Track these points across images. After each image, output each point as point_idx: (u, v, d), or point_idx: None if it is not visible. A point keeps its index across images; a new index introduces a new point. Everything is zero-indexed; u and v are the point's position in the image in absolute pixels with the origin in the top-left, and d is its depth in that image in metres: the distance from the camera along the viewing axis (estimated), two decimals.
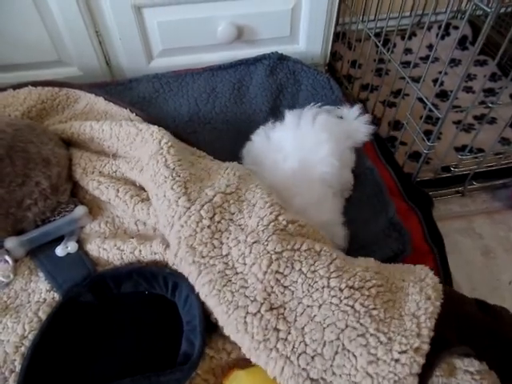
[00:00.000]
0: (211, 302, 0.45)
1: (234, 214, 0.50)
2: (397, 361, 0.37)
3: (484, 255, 0.74)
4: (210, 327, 0.46)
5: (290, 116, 0.68)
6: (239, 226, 0.49)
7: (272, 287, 0.43)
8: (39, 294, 0.51)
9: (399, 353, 0.37)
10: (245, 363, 0.44)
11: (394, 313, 0.41)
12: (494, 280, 0.71)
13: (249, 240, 0.47)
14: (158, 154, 0.57)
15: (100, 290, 0.50)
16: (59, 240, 0.55)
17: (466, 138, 0.85)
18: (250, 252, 0.46)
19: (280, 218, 0.49)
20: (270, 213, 0.49)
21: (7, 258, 0.53)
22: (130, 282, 0.51)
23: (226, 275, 0.45)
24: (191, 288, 0.47)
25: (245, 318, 0.42)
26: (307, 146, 0.63)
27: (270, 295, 0.43)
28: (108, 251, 0.53)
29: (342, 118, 0.75)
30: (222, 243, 0.47)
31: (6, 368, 0.44)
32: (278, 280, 0.44)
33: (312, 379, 0.38)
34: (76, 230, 0.57)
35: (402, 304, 0.42)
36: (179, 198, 0.51)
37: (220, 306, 0.44)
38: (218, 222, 0.49)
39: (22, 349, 0.45)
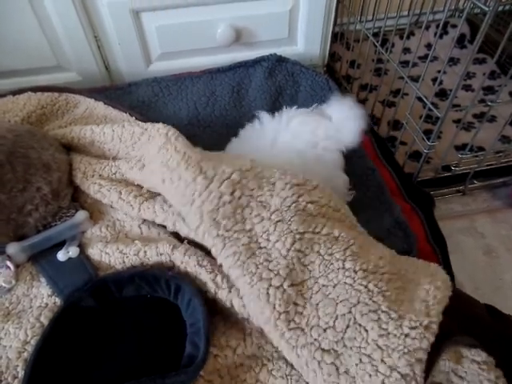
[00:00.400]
0: (235, 273, 0.46)
1: (253, 189, 0.51)
2: (407, 335, 0.38)
3: (486, 254, 0.74)
4: (213, 326, 0.47)
5: (264, 117, 0.68)
6: (260, 202, 0.50)
7: (294, 264, 0.45)
8: (41, 299, 0.51)
9: (409, 328, 0.38)
10: (250, 363, 0.45)
11: (404, 297, 0.42)
12: (497, 279, 0.71)
13: (273, 218, 0.48)
14: (168, 143, 0.57)
15: (102, 294, 0.50)
16: (61, 245, 0.55)
17: (466, 136, 0.85)
18: (275, 230, 0.47)
19: (300, 199, 0.50)
20: (292, 194, 0.50)
21: (9, 263, 0.53)
22: (132, 285, 0.51)
23: (251, 248, 0.46)
24: (194, 291, 0.47)
25: (267, 289, 0.43)
26: (261, 151, 0.63)
27: (291, 271, 0.44)
28: (110, 255, 0.53)
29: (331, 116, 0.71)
30: (244, 218, 0.48)
31: (8, 374, 0.44)
32: (299, 258, 0.45)
33: (323, 349, 0.40)
34: (77, 235, 0.57)
35: (412, 291, 0.43)
36: (196, 176, 0.51)
37: (243, 277, 0.45)
38: (239, 197, 0.50)
39: (25, 354, 0.45)
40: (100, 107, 0.76)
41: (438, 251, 0.61)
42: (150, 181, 0.59)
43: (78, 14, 0.81)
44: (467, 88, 1.03)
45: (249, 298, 0.45)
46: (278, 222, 0.48)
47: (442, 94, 1.01)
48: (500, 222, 0.79)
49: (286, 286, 0.43)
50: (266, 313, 0.43)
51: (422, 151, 0.72)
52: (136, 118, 0.72)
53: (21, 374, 0.44)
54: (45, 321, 0.48)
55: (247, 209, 0.49)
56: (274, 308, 0.42)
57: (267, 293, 0.43)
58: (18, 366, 0.45)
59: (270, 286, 0.43)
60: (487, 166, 0.80)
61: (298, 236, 0.46)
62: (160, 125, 0.63)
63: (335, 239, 0.47)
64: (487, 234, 0.77)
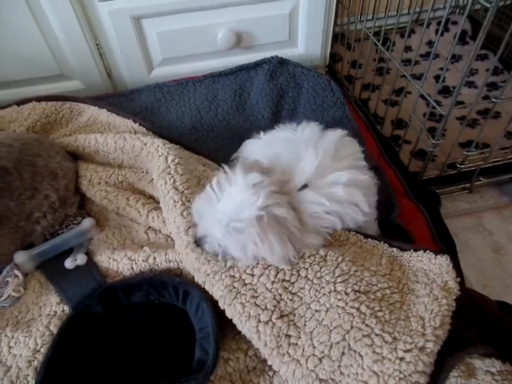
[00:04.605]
0: (227, 313, 0.46)
1: None
2: (402, 359, 0.38)
3: (495, 252, 0.73)
4: (222, 331, 0.47)
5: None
6: None
7: (280, 295, 0.44)
8: (50, 307, 0.51)
9: (404, 351, 0.38)
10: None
11: (400, 314, 0.42)
12: (507, 276, 0.70)
13: None
14: (166, 172, 0.57)
15: (110, 300, 0.50)
16: (68, 253, 0.56)
17: (471, 133, 0.85)
18: (258, 263, 0.46)
19: None
20: None
21: (17, 272, 0.54)
22: (140, 291, 0.51)
23: (235, 288, 0.46)
24: (203, 296, 0.47)
25: (257, 327, 0.43)
26: None
27: (279, 302, 0.44)
28: (118, 261, 0.53)
29: None
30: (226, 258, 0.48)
31: (19, 383, 0.44)
32: (285, 288, 0.45)
33: (321, 380, 0.40)
34: (84, 242, 0.57)
35: (410, 306, 0.43)
36: (189, 227, 0.51)
37: (234, 318, 0.45)
38: None
39: (35, 363, 0.45)
40: (103, 114, 0.76)
41: (445, 251, 0.60)
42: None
43: (80, 23, 0.82)
44: (470, 84, 1.03)
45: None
46: None
47: (445, 90, 1.01)
48: (508, 219, 0.78)
49: (274, 318, 0.43)
50: (260, 349, 0.43)
51: (426, 149, 0.72)
52: (140, 124, 0.72)
53: (31, 383, 0.44)
54: (54, 329, 0.48)
55: None
56: (266, 345, 0.42)
57: (257, 330, 0.43)
58: (28, 375, 0.45)
59: (259, 322, 0.43)
60: (493, 162, 0.79)
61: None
62: (159, 142, 0.62)
63: (323, 260, 0.47)
64: (495, 231, 0.76)
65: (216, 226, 0.45)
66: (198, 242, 0.49)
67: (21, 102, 0.77)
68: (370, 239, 0.52)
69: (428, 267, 0.47)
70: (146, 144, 0.63)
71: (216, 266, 0.47)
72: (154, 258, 0.52)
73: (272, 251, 0.43)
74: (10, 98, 0.83)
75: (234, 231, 0.44)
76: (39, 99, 0.78)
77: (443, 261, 0.46)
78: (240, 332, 0.46)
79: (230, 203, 0.44)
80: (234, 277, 0.46)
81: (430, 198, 0.73)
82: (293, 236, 0.44)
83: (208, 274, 0.47)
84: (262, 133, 0.63)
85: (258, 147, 0.63)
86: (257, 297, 0.44)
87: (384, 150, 0.80)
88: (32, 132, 0.73)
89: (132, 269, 0.53)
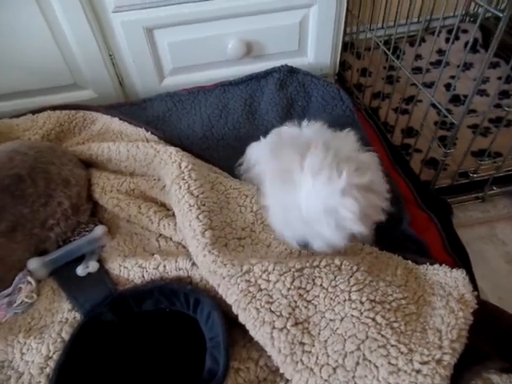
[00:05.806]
0: (241, 318, 0.46)
1: (257, 244, 0.54)
2: (418, 371, 0.37)
3: (509, 263, 0.72)
4: (233, 339, 0.47)
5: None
6: (257, 251, 0.52)
7: (296, 302, 0.44)
8: (62, 313, 0.51)
9: (420, 363, 0.37)
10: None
11: (416, 326, 0.41)
12: None
13: (271, 259, 0.48)
14: (180, 178, 0.57)
15: (121, 308, 0.51)
16: (80, 259, 0.56)
17: (483, 141, 0.84)
18: (274, 269, 0.47)
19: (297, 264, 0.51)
20: (285, 249, 0.52)
21: (30, 278, 0.54)
22: (150, 299, 0.51)
23: (250, 292, 0.46)
24: (213, 304, 0.48)
25: (271, 333, 0.43)
26: None
27: (294, 310, 0.44)
28: (129, 269, 0.54)
29: None
30: (242, 261, 0.48)
31: None
32: (301, 295, 0.45)
33: None
34: (96, 250, 0.58)
35: (427, 318, 0.42)
36: (205, 230, 0.52)
37: (248, 323, 0.45)
38: (241, 251, 0.51)
39: (47, 370, 0.46)
40: (115, 123, 0.78)
41: (459, 262, 0.59)
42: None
43: (94, 34, 0.83)
44: (481, 93, 1.02)
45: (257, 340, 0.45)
46: (276, 262, 0.47)
47: (455, 99, 1.00)
48: None
49: (289, 325, 0.43)
50: (273, 356, 0.43)
51: (437, 158, 0.71)
52: (152, 133, 0.73)
53: None
54: (66, 336, 0.49)
55: (242, 253, 0.50)
56: (280, 351, 0.42)
57: (271, 337, 0.42)
58: (40, 382, 0.45)
59: (274, 328, 0.43)
60: (506, 171, 0.78)
61: (296, 273, 0.46)
62: (172, 149, 0.63)
63: (338, 269, 0.46)
64: (508, 241, 0.75)
65: (324, 229, 0.44)
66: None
67: (36, 111, 0.79)
68: (384, 251, 0.52)
69: (444, 280, 0.46)
70: (158, 152, 0.64)
71: (232, 269, 0.47)
72: (164, 266, 0.53)
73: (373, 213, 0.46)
74: (26, 107, 0.85)
75: (337, 221, 0.43)
76: (54, 108, 0.79)
77: (459, 274, 0.46)
78: (251, 340, 0.46)
79: (315, 203, 0.44)
80: (249, 281, 0.46)
81: (442, 207, 0.72)
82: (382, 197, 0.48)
83: (224, 277, 0.47)
84: (261, 137, 0.65)
85: (258, 149, 0.64)
86: (272, 303, 0.44)
87: (394, 159, 0.79)
88: (46, 140, 0.75)
89: (143, 277, 0.53)
